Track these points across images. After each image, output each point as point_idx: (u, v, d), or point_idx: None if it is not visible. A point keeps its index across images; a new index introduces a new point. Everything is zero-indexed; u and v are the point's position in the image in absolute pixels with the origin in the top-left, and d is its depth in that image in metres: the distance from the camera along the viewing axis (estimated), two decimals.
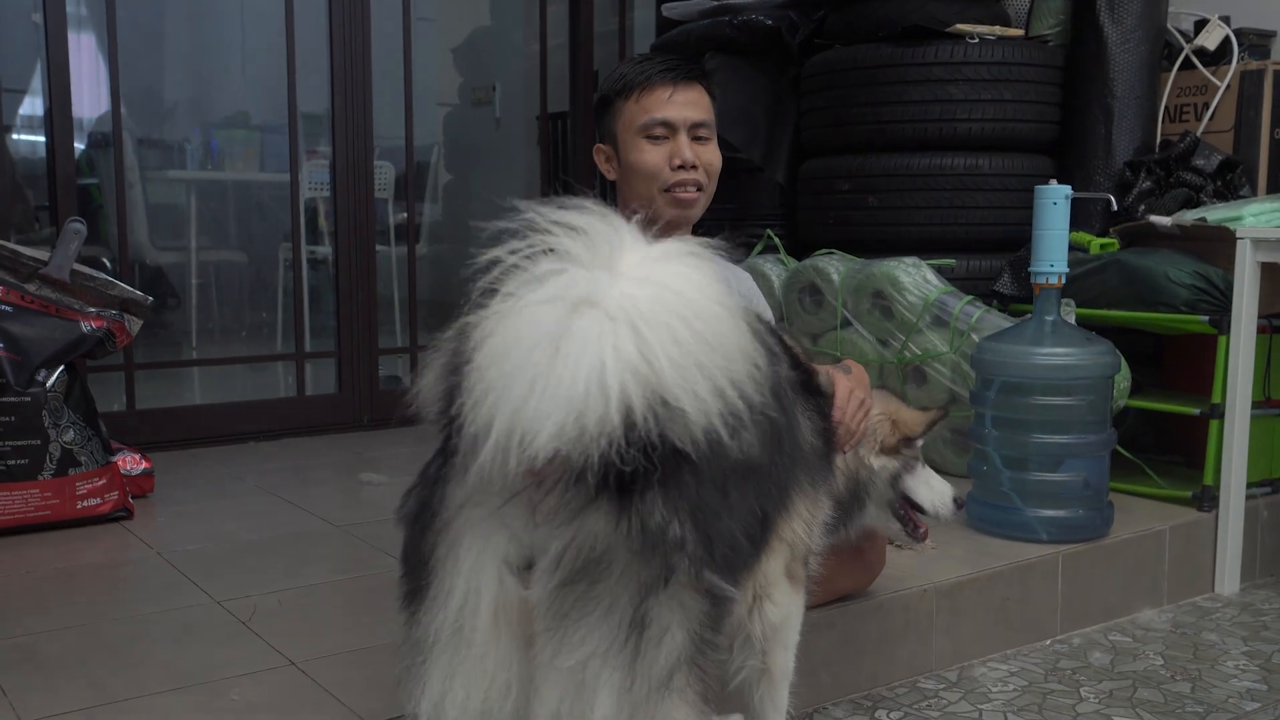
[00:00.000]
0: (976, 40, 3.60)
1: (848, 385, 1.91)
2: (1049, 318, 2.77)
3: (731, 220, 4.20)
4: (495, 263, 1.20)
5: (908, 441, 2.01)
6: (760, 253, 3.90)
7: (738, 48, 4.27)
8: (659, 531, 1.19)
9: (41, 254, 2.90)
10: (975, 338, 3.14)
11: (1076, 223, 3.07)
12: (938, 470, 2.46)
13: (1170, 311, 3.03)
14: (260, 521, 2.94)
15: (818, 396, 1.83)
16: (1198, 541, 2.94)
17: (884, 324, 3.37)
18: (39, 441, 2.75)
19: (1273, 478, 3.19)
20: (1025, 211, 2.97)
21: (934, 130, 3.61)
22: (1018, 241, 3.47)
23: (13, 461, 2.72)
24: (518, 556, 1.22)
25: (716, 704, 1.46)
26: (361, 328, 4.19)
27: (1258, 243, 2.86)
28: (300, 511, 3.05)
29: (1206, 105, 3.64)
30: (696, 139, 2.10)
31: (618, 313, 1.13)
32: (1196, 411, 2.99)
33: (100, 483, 2.85)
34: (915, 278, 3.33)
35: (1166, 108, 3.74)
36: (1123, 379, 3.04)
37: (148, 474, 3.13)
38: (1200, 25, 3.74)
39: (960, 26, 3.61)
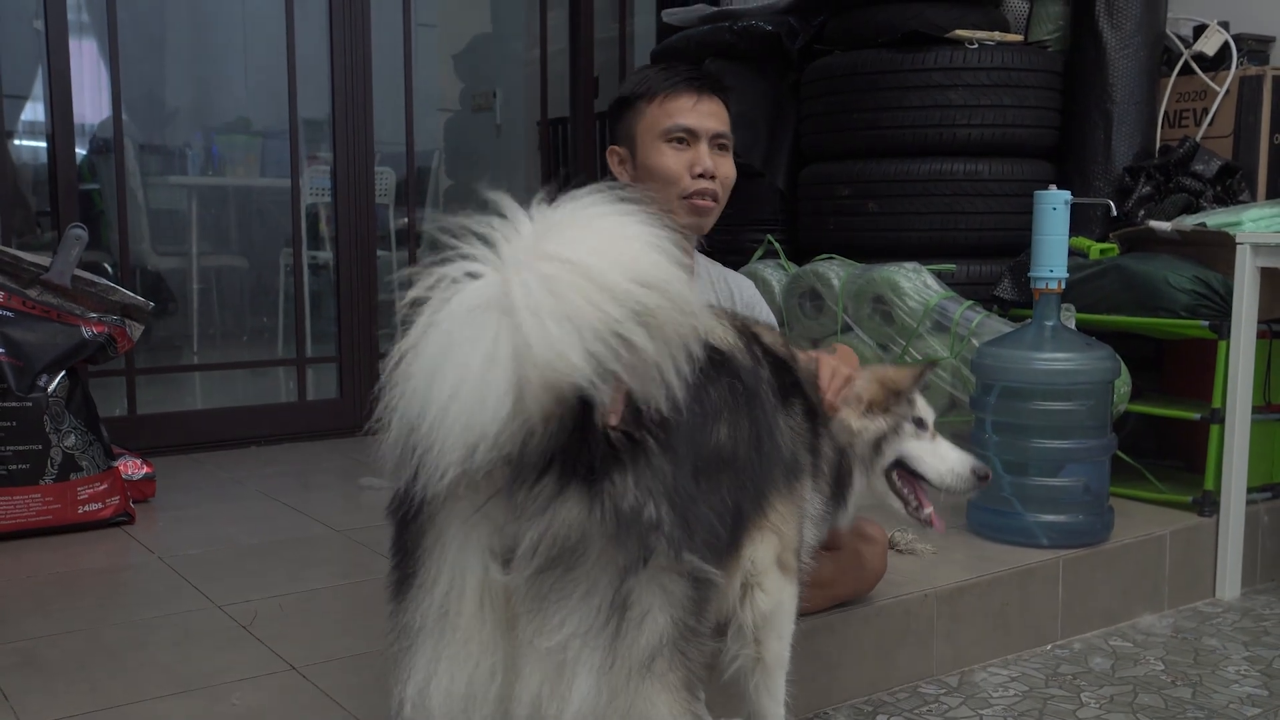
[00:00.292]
0: (975, 46, 3.61)
1: (831, 361, 1.91)
2: (1049, 323, 2.77)
3: (731, 225, 4.21)
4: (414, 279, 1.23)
5: (895, 396, 1.92)
6: (760, 258, 3.91)
7: (738, 53, 4.28)
8: (633, 514, 1.21)
9: (43, 260, 2.90)
10: (975, 343, 3.14)
11: (1076, 228, 3.08)
12: None
13: (1170, 317, 3.03)
14: (261, 526, 2.94)
15: (803, 398, 1.82)
16: (1198, 546, 2.94)
17: (884, 329, 3.37)
18: (40, 446, 2.75)
19: (1273, 483, 3.19)
20: (1025, 217, 2.98)
21: (934, 136, 3.62)
22: (1018, 246, 3.47)
23: (14, 466, 2.72)
24: (501, 546, 1.24)
25: (713, 703, 1.47)
26: (363, 333, 4.20)
27: (1257, 248, 2.86)
28: (301, 516, 3.05)
29: (1206, 110, 3.64)
30: (716, 150, 2.10)
31: (507, 305, 1.14)
32: (1197, 416, 3.00)
33: (101, 487, 2.85)
34: (915, 283, 3.33)
35: (1166, 113, 3.75)
36: (1123, 384, 3.05)
37: (149, 479, 3.13)
38: (1199, 31, 3.74)
39: (959, 32, 3.62)
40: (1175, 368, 3.43)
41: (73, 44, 3.67)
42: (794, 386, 1.81)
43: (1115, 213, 3.38)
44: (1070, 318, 3.08)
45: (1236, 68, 3.61)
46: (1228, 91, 3.60)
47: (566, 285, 1.14)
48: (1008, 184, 3.63)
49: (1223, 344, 2.93)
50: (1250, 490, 2.98)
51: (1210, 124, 3.62)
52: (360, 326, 4.20)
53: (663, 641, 1.24)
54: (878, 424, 1.92)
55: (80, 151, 5.57)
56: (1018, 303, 3.43)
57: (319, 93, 4.31)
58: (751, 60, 4.25)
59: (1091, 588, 2.71)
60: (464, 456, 1.14)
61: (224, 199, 6.83)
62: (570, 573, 1.21)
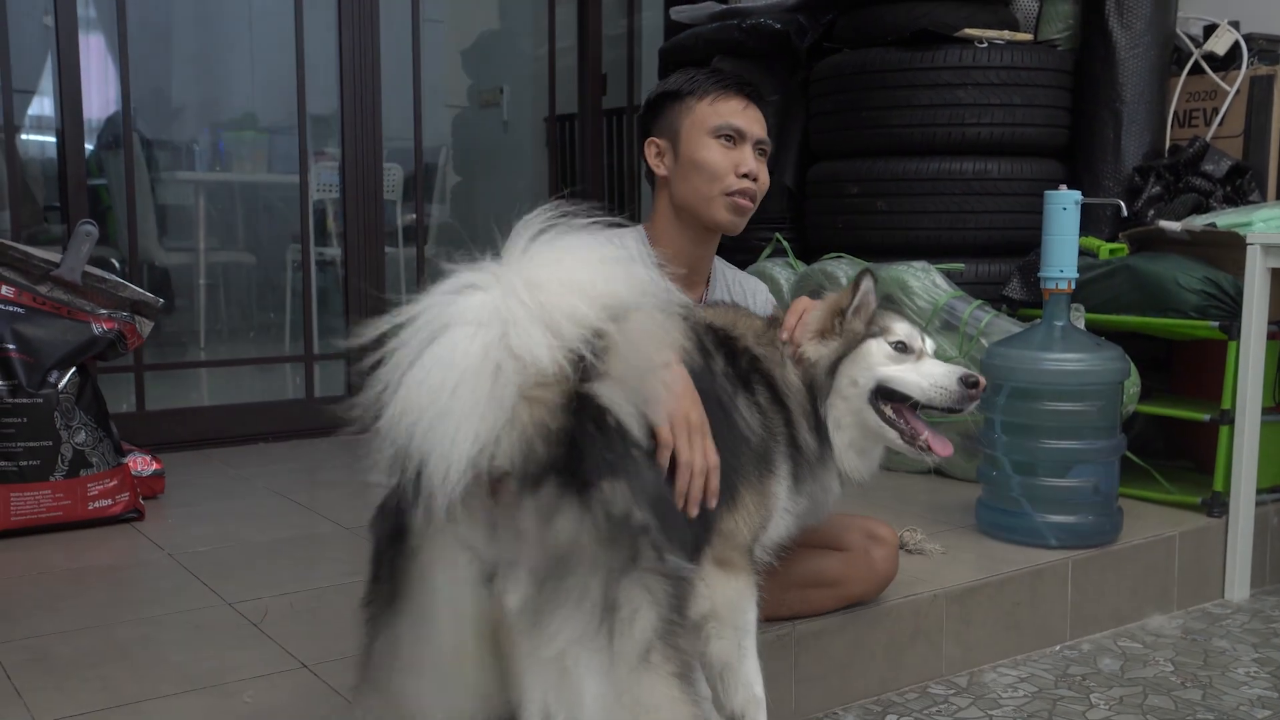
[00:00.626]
0: (985, 45, 3.61)
1: (800, 304, 1.95)
2: (1059, 323, 2.77)
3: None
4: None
5: (840, 315, 1.90)
6: (769, 256, 3.91)
7: (746, 51, 4.28)
8: (623, 519, 1.26)
9: (53, 256, 2.90)
10: (984, 342, 3.14)
11: (1085, 227, 3.07)
12: (947, 476, 2.45)
13: (1180, 317, 3.03)
14: (270, 523, 2.95)
15: (769, 387, 1.84)
16: (1207, 547, 2.93)
17: None
18: (51, 443, 2.76)
19: None
20: (1034, 216, 2.97)
21: (943, 135, 3.62)
22: (1026, 246, 3.47)
23: (25, 462, 2.73)
24: (483, 573, 1.26)
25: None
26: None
27: (1268, 248, 2.86)
28: (310, 513, 3.06)
29: (1216, 110, 3.64)
30: (757, 154, 2.13)
31: (488, 319, 1.21)
32: (1206, 418, 2.99)
33: (111, 484, 2.85)
34: (924, 282, 3.33)
35: (1175, 113, 3.74)
36: (1132, 384, 3.04)
37: (158, 475, 3.14)
38: (1209, 30, 3.74)
39: (969, 31, 3.62)
40: (1185, 368, 3.43)
41: (80, 39, 3.67)
42: (753, 369, 1.83)
43: (1126, 213, 3.37)
44: (1080, 318, 3.07)
45: (1247, 67, 3.61)
46: (1238, 91, 3.60)
47: (546, 295, 1.22)
48: (1017, 183, 3.63)
49: (1233, 345, 2.92)
50: (1260, 491, 2.97)
51: (1220, 124, 3.62)
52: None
53: (654, 636, 1.27)
54: (830, 347, 1.89)
55: (88, 147, 5.59)
56: (1026, 302, 3.43)
57: (327, 88, 4.32)
58: (760, 58, 4.25)
59: (1101, 588, 2.71)
60: (464, 465, 1.17)
61: (231, 195, 6.83)
62: (564, 581, 1.23)
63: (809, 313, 1.95)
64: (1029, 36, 3.80)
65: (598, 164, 5.16)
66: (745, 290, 2.30)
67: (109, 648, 2.09)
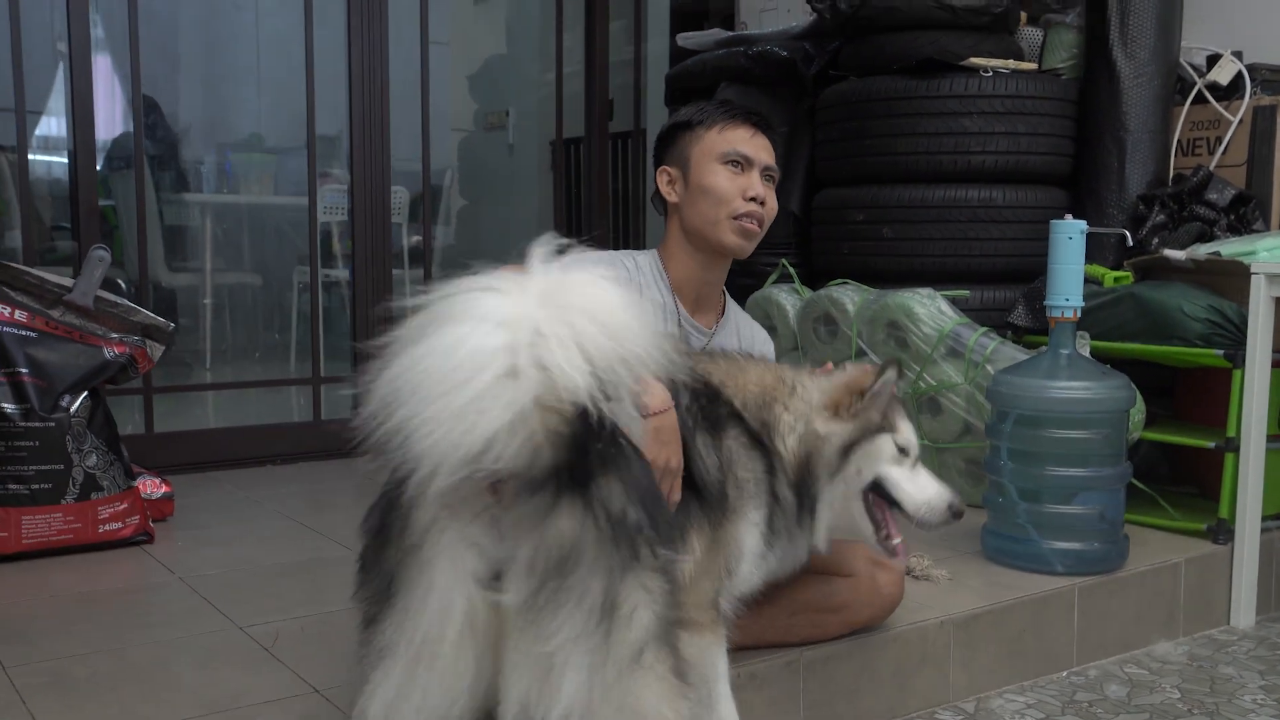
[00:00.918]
0: (990, 74, 3.64)
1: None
2: (1064, 351, 2.79)
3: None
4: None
5: (858, 396, 1.86)
6: (775, 281, 3.93)
7: (752, 78, 4.32)
8: (620, 517, 1.28)
9: (66, 280, 2.93)
10: (990, 369, 3.16)
11: (1090, 255, 3.09)
12: None
13: (1185, 345, 3.05)
14: (279, 546, 2.96)
15: (742, 425, 1.84)
16: (1213, 574, 2.95)
17: (899, 354, 3.39)
18: (62, 466, 2.77)
19: None
20: (1039, 244, 3.00)
21: (948, 162, 3.65)
22: (1031, 273, 3.49)
23: (36, 486, 2.74)
24: (486, 570, 1.29)
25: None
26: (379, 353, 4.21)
27: (1272, 278, 2.88)
28: (318, 536, 3.07)
29: (1219, 140, 3.67)
30: (765, 180, 2.19)
31: (517, 322, 1.22)
32: (1212, 445, 3.01)
33: (122, 507, 2.87)
34: (930, 309, 3.35)
35: (1179, 142, 3.77)
36: (1137, 411, 3.06)
37: (168, 498, 3.15)
38: (1213, 60, 3.77)
39: (974, 60, 3.65)
40: (1189, 395, 3.44)
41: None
42: (730, 415, 1.84)
43: (1131, 242, 3.39)
44: (1085, 345, 3.10)
45: (1250, 97, 3.64)
46: (1241, 121, 3.63)
47: (576, 317, 1.23)
48: (1022, 211, 3.65)
49: (1237, 373, 2.94)
50: (1265, 518, 2.99)
51: (1224, 153, 3.65)
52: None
53: (649, 636, 1.30)
54: (845, 428, 1.87)
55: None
56: (1032, 329, 3.45)
57: (333, 110, 4.35)
58: (766, 85, 4.29)
59: (1107, 615, 2.72)
60: (466, 460, 1.18)
61: (237, 216, 6.87)
62: (566, 579, 1.25)
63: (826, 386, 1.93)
64: (1034, 65, 3.84)
65: (604, 188, 5.19)
66: (755, 339, 2.35)
67: (123, 671, 2.10)
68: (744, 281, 4.08)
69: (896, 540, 1.94)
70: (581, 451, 1.24)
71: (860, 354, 3.48)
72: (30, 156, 6.20)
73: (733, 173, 2.16)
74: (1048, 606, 2.62)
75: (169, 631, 2.33)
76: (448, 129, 7.42)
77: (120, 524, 2.86)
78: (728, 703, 1.82)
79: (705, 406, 1.80)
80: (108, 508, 2.84)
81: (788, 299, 3.75)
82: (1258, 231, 3.44)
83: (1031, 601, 2.60)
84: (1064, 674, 2.63)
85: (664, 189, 2.24)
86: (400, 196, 5.72)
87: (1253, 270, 2.91)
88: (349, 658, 2.18)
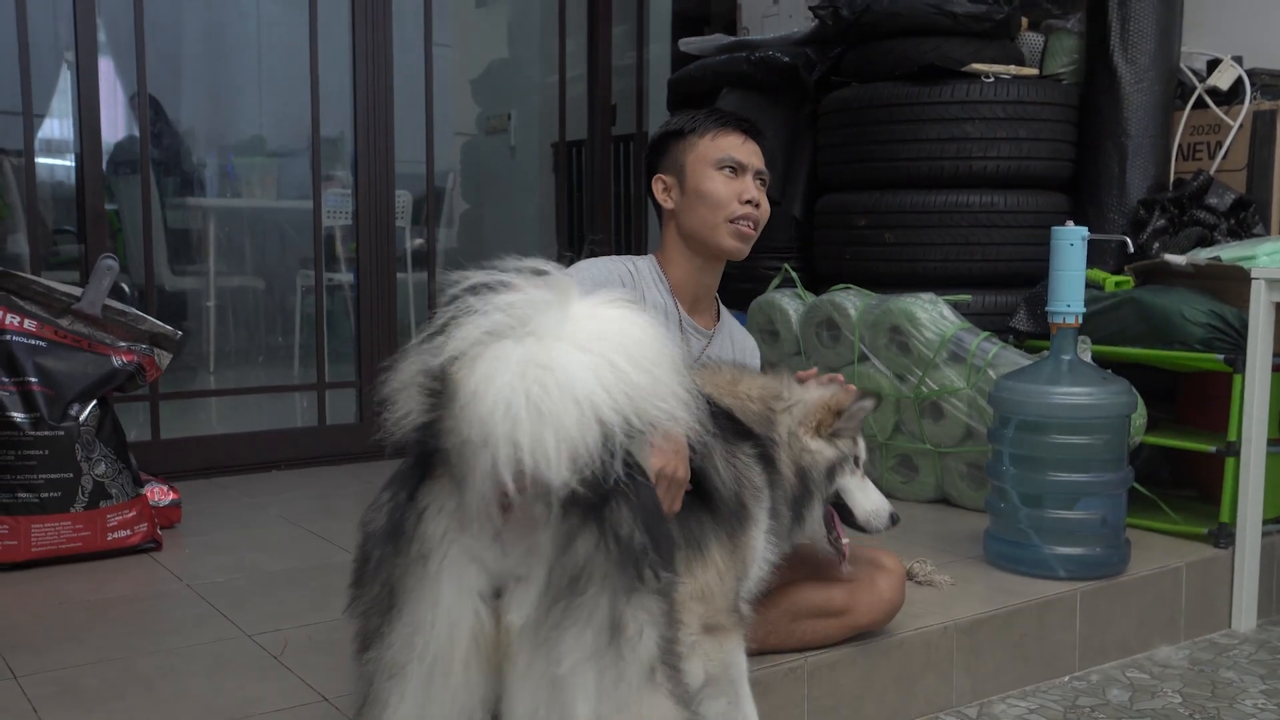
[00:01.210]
0: (992, 79, 3.66)
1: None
2: (1066, 357, 2.81)
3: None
4: (461, 296, 1.28)
5: (836, 416, 2.01)
6: (777, 286, 3.95)
7: (754, 83, 4.33)
8: (628, 540, 1.30)
9: (74, 289, 2.95)
10: (992, 373, 3.18)
11: (1091, 260, 3.11)
12: (954, 505, 2.47)
13: (1186, 350, 3.06)
14: (286, 553, 2.98)
15: (752, 438, 1.90)
16: (1214, 578, 2.96)
17: (901, 359, 3.41)
18: (71, 475, 2.79)
19: None
20: (1040, 248, 3.02)
21: (950, 168, 3.66)
22: (1033, 278, 3.51)
23: (46, 494, 2.76)
24: (489, 587, 1.29)
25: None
26: (383, 357, 4.22)
27: (1272, 283, 2.89)
28: (324, 543, 3.09)
29: (1219, 144, 3.68)
30: (757, 184, 2.25)
31: (589, 344, 1.23)
32: (1213, 449, 3.02)
33: (130, 514, 2.89)
34: (932, 314, 3.37)
35: (1179, 146, 3.79)
36: (1139, 417, 3.08)
37: (175, 505, 3.17)
38: (1213, 65, 3.79)
39: (976, 66, 3.67)
40: (1189, 398, 3.46)
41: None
42: (742, 431, 1.90)
43: (1132, 249, 3.40)
44: (1086, 350, 3.11)
45: (1250, 102, 3.65)
46: (1241, 125, 3.65)
47: (632, 346, 1.25)
48: (1023, 216, 3.67)
49: (1237, 378, 2.96)
50: (1266, 522, 3.00)
51: (1224, 157, 3.66)
52: (381, 350, 4.23)
53: (657, 655, 1.32)
54: (831, 450, 2.02)
55: None
56: (1033, 334, 3.47)
57: (335, 113, 4.36)
58: (768, 90, 4.30)
59: (1109, 619, 2.74)
60: (566, 462, 1.18)
61: (240, 220, 6.88)
62: (576, 599, 1.27)
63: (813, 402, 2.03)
64: (1034, 71, 3.85)
65: (606, 191, 5.21)
66: (745, 345, 2.41)
67: (133, 679, 2.12)
68: (746, 286, 4.10)
69: (845, 540, 2.12)
70: (603, 477, 1.25)
71: (862, 359, 3.49)
72: (34, 159, 6.24)
73: (728, 178, 2.21)
74: (1050, 611, 2.64)
75: (178, 639, 2.35)
76: (450, 132, 7.43)
77: (129, 531, 2.88)
78: (750, 702, 1.86)
79: (720, 421, 1.83)
80: (116, 515, 2.86)
81: (790, 304, 3.77)
82: (1258, 236, 3.46)
83: (1034, 606, 2.61)
84: (1066, 679, 2.65)
85: (659, 196, 2.29)
86: (403, 200, 5.73)
87: (1253, 275, 2.92)
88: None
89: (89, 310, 2.91)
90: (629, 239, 5.47)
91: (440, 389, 1.25)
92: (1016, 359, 3.21)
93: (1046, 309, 2.84)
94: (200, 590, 2.66)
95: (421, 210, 5.69)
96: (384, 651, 1.33)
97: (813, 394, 2.04)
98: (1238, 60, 3.75)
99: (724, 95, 4.40)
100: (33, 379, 2.78)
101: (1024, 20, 3.95)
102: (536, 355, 1.20)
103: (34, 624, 2.42)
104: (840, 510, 2.10)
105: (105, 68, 6.14)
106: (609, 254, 2.31)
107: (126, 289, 4.77)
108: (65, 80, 6.44)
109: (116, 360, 2.94)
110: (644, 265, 2.28)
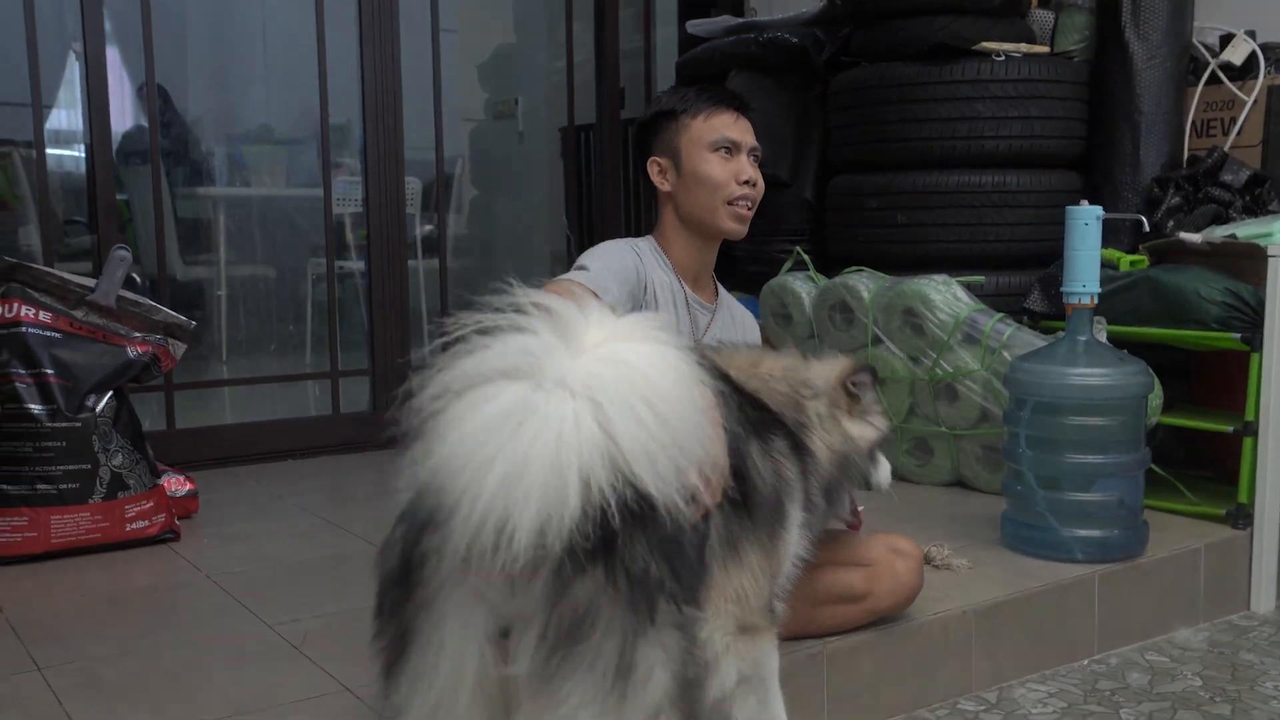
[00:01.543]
0: (1002, 58, 3.63)
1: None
2: (1082, 338, 2.79)
3: (759, 235, 4.24)
4: (464, 329, 1.25)
5: (854, 388, 1.96)
6: (790, 270, 3.93)
7: (763, 65, 4.31)
8: (642, 575, 1.23)
9: (87, 280, 2.95)
10: (1006, 355, 3.16)
11: (1105, 239, 3.08)
12: (970, 488, 2.44)
13: (1202, 329, 3.05)
14: (303, 543, 2.99)
15: (783, 428, 1.83)
16: (1233, 559, 2.95)
17: (915, 341, 3.39)
18: (89, 466, 2.80)
19: None
20: (1053, 228, 3.00)
21: (961, 148, 3.64)
22: (1047, 258, 3.50)
23: (64, 485, 2.77)
24: (495, 627, 1.25)
25: None
26: (395, 344, 4.24)
27: None
28: (341, 532, 3.10)
29: (1234, 120, 3.66)
30: (752, 161, 2.27)
31: (580, 389, 1.18)
32: (1230, 429, 3.01)
33: (148, 505, 2.90)
34: (945, 295, 3.36)
35: (1193, 123, 3.76)
36: (1155, 397, 3.06)
37: (192, 495, 3.18)
38: (1226, 40, 3.76)
39: (986, 44, 3.64)
40: (1205, 378, 3.44)
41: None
42: (774, 421, 1.83)
43: (1147, 228, 3.38)
44: (1101, 330, 3.09)
45: (1264, 77, 3.62)
46: (1255, 101, 3.62)
47: (639, 389, 1.19)
48: (1035, 195, 3.65)
49: (1255, 356, 2.94)
50: None
51: (1239, 134, 3.64)
52: (392, 338, 4.24)
53: (665, 697, 1.27)
54: (871, 430, 1.97)
55: None
56: (1047, 314, 3.45)
57: (342, 100, 4.35)
58: (777, 72, 4.28)
59: (1127, 602, 2.73)
60: (535, 528, 1.13)
61: (250, 209, 6.88)
62: (578, 645, 1.21)
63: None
64: (1045, 49, 3.82)
65: (614, 173, 5.19)
66: (745, 323, 2.41)
67: (155, 671, 2.13)
68: (758, 269, 4.09)
69: (860, 507, 2.17)
70: (599, 527, 1.19)
71: (876, 341, 3.48)
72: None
73: (723, 159, 2.23)
74: (1068, 594, 2.63)
75: (198, 631, 2.37)
76: (458, 118, 7.41)
77: (147, 522, 2.89)
78: (779, 701, 1.84)
79: (750, 414, 1.78)
80: (134, 506, 2.87)
81: (803, 287, 3.75)
82: (1274, 213, 3.43)
83: (1052, 590, 2.61)
84: (1085, 662, 2.65)
85: (655, 179, 2.30)
86: (412, 186, 5.72)
87: (1269, 253, 2.90)
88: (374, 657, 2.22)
89: (103, 301, 2.91)
90: (638, 222, 5.45)
91: (423, 431, 1.21)
92: (1031, 340, 3.20)
93: (1062, 289, 2.83)
94: (219, 581, 2.67)
95: (431, 197, 5.69)
96: (393, 694, 1.32)
97: (828, 372, 1.97)
98: (1251, 35, 3.72)
99: (732, 77, 4.38)
100: (49, 370, 2.79)
101: None
102: (522, 407, 1.15)
103: (56, 616, 2.43)
104: None
105: (112, 58, 6.14)
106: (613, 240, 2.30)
107: (137, 279, 4.79)
108: (72, 71, 6.43)
109: (131, 351, 2.94)
110: (645, 246, 2.29)
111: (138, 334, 2.98)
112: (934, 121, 3.67)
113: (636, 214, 5.48)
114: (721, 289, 2.42)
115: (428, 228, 6.05)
